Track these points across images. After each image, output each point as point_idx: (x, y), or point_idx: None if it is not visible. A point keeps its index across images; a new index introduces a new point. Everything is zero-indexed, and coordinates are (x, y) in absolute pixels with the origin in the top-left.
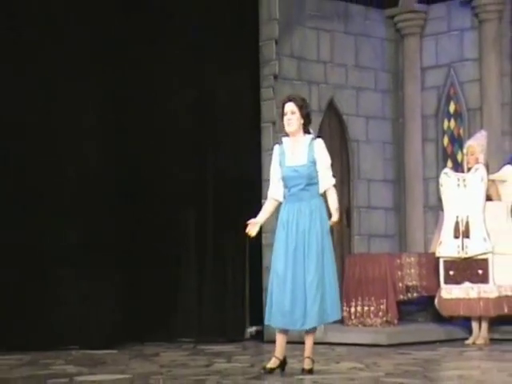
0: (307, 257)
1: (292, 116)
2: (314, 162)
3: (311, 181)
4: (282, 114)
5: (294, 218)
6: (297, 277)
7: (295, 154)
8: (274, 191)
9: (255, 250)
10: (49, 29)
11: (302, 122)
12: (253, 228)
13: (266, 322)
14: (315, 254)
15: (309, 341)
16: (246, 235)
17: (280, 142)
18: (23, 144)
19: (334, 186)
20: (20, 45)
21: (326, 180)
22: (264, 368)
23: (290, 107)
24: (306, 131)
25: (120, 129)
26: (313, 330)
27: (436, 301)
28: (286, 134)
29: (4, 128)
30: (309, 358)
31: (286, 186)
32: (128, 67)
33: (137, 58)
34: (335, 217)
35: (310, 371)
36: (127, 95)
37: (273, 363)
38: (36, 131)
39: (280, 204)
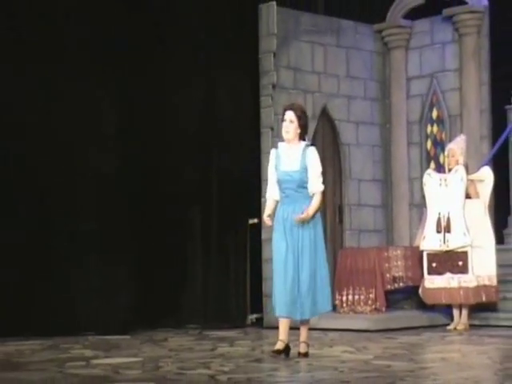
0: (301, 255)
1: (290, 125)
2: (305, 169)
3: (303, 185)
4: (283, 119)
5: (289, 217)
6: (294, 271)
7: (290, 159)
8: (273, 192)
9: (255, 244)
10: (49, 29)
11: (298, 131)
12: (268, 221)
13: (276, 314)
14: (308, 252)
15: (304, 328)
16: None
17: (276, 147)
18: (23, 144)
19: (322, 192)
20: (20, 45)
21: (315, 186)
22: (273, 351)
23: (290, 116)
24: (302, 139)
25: (120, 129)
26: (307, 321)
27: (420, 290)
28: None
29: (4, 128)
30: (304, 342)
31: (280, 188)
32: (128, 67)
33: (137, 58)
34: (304, 213)
35: (306, 354)
36: (127, 95)
37: (279, 345)
38: (36, 131)
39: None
